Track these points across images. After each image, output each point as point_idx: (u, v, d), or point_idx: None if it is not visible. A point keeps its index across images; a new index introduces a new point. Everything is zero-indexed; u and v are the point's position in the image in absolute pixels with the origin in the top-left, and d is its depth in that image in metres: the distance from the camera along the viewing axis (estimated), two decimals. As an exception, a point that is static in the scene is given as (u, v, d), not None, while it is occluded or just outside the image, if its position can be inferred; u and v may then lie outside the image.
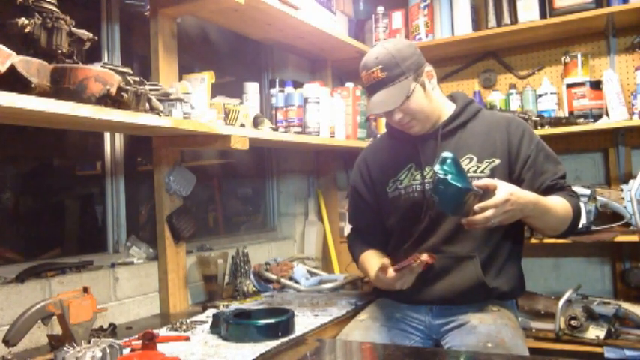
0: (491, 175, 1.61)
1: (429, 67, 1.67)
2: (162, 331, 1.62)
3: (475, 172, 1.63)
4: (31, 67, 1.18)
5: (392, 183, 1.75)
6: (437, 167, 1.40)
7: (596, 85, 2.57)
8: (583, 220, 2.46)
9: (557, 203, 1.56)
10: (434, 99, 1.67)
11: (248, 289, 2.16)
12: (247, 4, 1.97)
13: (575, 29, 2.72)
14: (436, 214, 1.64)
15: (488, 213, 1.38)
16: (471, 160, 1.65)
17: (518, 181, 1.61)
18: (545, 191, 1.60)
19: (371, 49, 1.76)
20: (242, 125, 2.00)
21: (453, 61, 3.13)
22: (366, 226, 1.89)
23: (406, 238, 1.71)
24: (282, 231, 2.95)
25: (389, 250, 1.79)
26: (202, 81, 1.93)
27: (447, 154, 1.42)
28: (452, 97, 1.78)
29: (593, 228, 2.53)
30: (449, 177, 1.37)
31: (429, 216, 1.65)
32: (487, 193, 1.41)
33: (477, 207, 1.39)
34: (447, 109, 1.72)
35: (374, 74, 1.61)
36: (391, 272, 1.52)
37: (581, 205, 2.44)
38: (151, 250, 2.04)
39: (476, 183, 1.41)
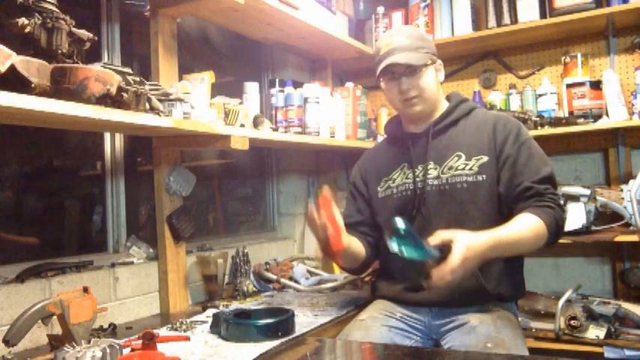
0: (480, 172, 1.62)
1: (440, 61, 1.74)
2: (162, 331, 1.62)
3: (463, 169, 1.64)
4: (31, 67, 1.18)
5: (384, 182, 1.78)
6: (388, 241, 1.33)
7: (596, 85, 2.57)
8: (583, 220, 2.47)
9: (525, 228, 1.48)
10: (439, 90, 1.74)
11: (248, 289, 2.16)
12: (247, 4, 1.97)
13: (575, 29, 2.72)
14: (428, 214, 1.64)
15: (448, 278, 1.33)
16: (460, 157, 1.65)
17: (498, 180, 1.61)
18: (519, 196, 1.57)
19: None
20: (242, 125, 2.00)
21: (453, 61, 3.13)
22: (356, 222, 1.84)
23: None
24: (282, 231, 2.95)
25: (381, 252, 1.79)
26: (202, 81, 1.93)
27: (399, 223, 1.35)
28: (447, 98, 1.80)
29: (593, 228, 2.53)
30: (403, 251, 1.32)
31: (422, 214, 1.65)
32: (444, 248, 1.35)
33: (434, 275, 1.33)
34: (442, 106, 1.76)
35: (397, 39, 1.67)
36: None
37: (581, 205, 2.47)
38: (151, 250, 2.04)
39: (433, 242, 1.35)
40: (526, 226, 1.49)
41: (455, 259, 1.31)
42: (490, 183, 1.62)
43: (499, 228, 1.47)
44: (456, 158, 1.66)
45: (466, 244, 1.34)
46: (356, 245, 1.74)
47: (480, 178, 1.62)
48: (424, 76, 1.66)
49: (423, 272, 1.35)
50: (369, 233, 1.82)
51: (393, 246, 1.33)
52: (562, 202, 2.51)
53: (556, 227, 1.53)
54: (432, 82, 1.68)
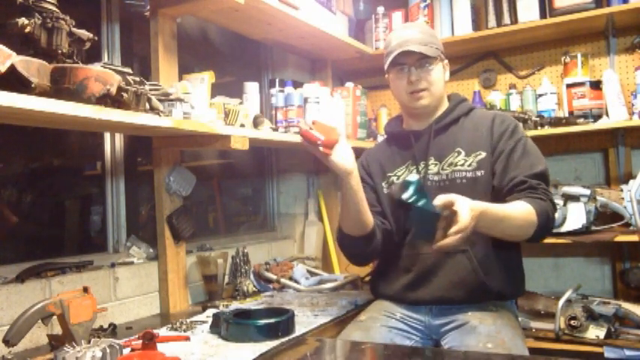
0: (478, 168, 1.64)
1: (447, 60, 1.77)
2: (162, 331, 1.61)
3: (463, 165, 1.66)
4: (31, 67, 1.18)
5: (387, 179, 1.78)
6: (405, 195, 1.32)
7: (596, 85, 2.57)
8: (583, 220, 2.47)
9: (515, 209, 1.49)
10: (444, 88, 1.76)
11: (248, 289, 2.16)
12: (247, 4, 1.97)
13: (575, 29, 2.72)
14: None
15: (463, 235, 1.31)
16: (459, 153, 1.68)
17: (494, 174, 1.63)
18: (513, 189, 1.57)
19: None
20: (242, 125, 2.00)
21: (453, 61, 3.09)
22: None
23: (398, 234, 1.72)
24: (282, 231, 2.95)
25: (386, 248, 1.77)
26: (202, 81, 1.93)
27: (412, 177, 1.35)
28: (447, 98, 1.82)
29: (593, 228, 2.53)
30: (421, 203, 1.31)
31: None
32: (447, 210, 1.35)
33: (451, 232, 1.31)
34: (444, 105, 1.79)
35: (411, 32, 1.70)
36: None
37: (581, 205, 2.47)
38: (151, 250, 2.04)
39: (435, 203, 1.34)
40: (516, 208, 1.50)
41: (466, 216, 1.31)
42: (487, 178, 1.64)
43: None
44: (456, 154, 1.68)
45: (469, 205, 1.34)
46: (367, 209, 1.65)
47: (478, 173, 1.64)
48: (434, 70, 1.69)
49: (432, 233, 1.35)
50: (378, 218, 1.74)
51: (412, 200, 1.33)
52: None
53: (546, 220, 1.53)
54: (441, 78, 1.72)
